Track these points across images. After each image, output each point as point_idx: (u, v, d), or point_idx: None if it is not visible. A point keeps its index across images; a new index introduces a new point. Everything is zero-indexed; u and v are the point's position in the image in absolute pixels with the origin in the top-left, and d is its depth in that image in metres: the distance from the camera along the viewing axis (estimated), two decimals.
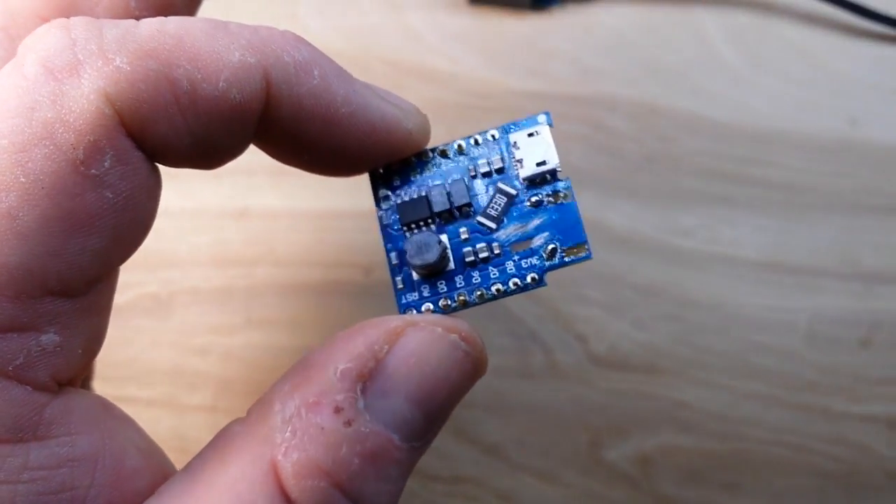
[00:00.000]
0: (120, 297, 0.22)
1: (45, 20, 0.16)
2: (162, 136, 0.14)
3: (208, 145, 0.15)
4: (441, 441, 0.28)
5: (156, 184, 0.15)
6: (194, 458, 0.16)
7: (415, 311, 0.17)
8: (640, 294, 0.28)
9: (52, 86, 0.13)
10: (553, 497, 0.28)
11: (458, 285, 0.17)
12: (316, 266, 0.29)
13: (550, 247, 0.17)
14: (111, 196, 0.14)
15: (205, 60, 0.14)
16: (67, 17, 0.16)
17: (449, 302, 0.17)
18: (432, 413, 0.16)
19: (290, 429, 0.15)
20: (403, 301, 0.17)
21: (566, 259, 0.17)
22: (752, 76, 0.29)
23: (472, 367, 0.16)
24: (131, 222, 0.14)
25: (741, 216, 0.28)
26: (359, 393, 0.15)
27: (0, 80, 0.13)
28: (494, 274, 0.17)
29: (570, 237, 0.17)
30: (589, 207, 0.29)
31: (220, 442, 0.16)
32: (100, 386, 0.28)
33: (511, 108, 0.29)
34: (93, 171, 0.13)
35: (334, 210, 0.30)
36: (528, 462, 0.28)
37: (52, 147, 0.13)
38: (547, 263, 0.17)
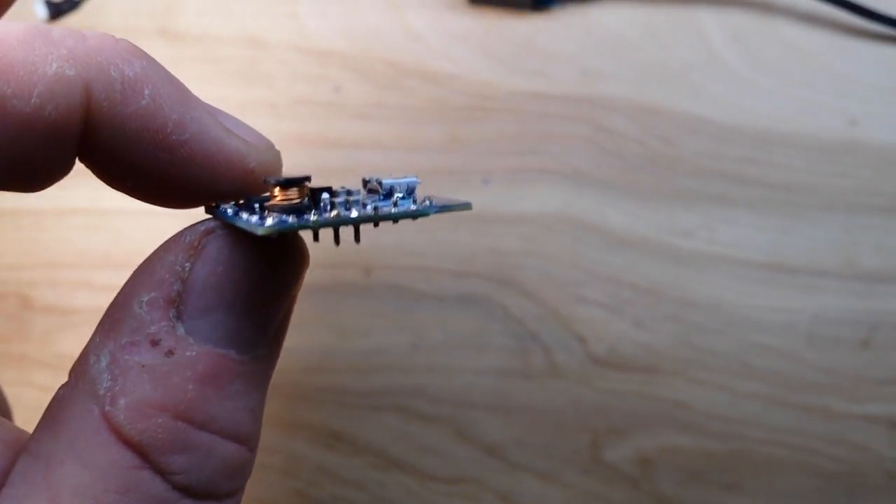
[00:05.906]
0: None
1: None
2: None
3: (23, 166, 0.13)
4: (441, 441, 0.28)
5: None
6: (31, 436, 0.15)
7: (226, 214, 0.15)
8: (640, 294, 0.28)
9: None
10: (553, 497, 0.28)
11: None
12: (316, 266, 0.29)
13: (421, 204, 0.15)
14: None
15: (16, 73, 0.13)
16: None
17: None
18: (263, 318, 0.15)
19: (109, 377, 0.14)
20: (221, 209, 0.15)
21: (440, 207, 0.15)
22: (753, 76, 0.29)
23: (291, 265, 0.15)
24: None
25: (741, 216, 0.28)
26: (174, 319, 0.14)
27: None
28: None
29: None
30: (589, 207, 0.29)
31: (49, 412, 0.15)
32: None
33: (511, 109, 0.29)
34: None
35: None
36: (528, 462, 0.28)
37: None
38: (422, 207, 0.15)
